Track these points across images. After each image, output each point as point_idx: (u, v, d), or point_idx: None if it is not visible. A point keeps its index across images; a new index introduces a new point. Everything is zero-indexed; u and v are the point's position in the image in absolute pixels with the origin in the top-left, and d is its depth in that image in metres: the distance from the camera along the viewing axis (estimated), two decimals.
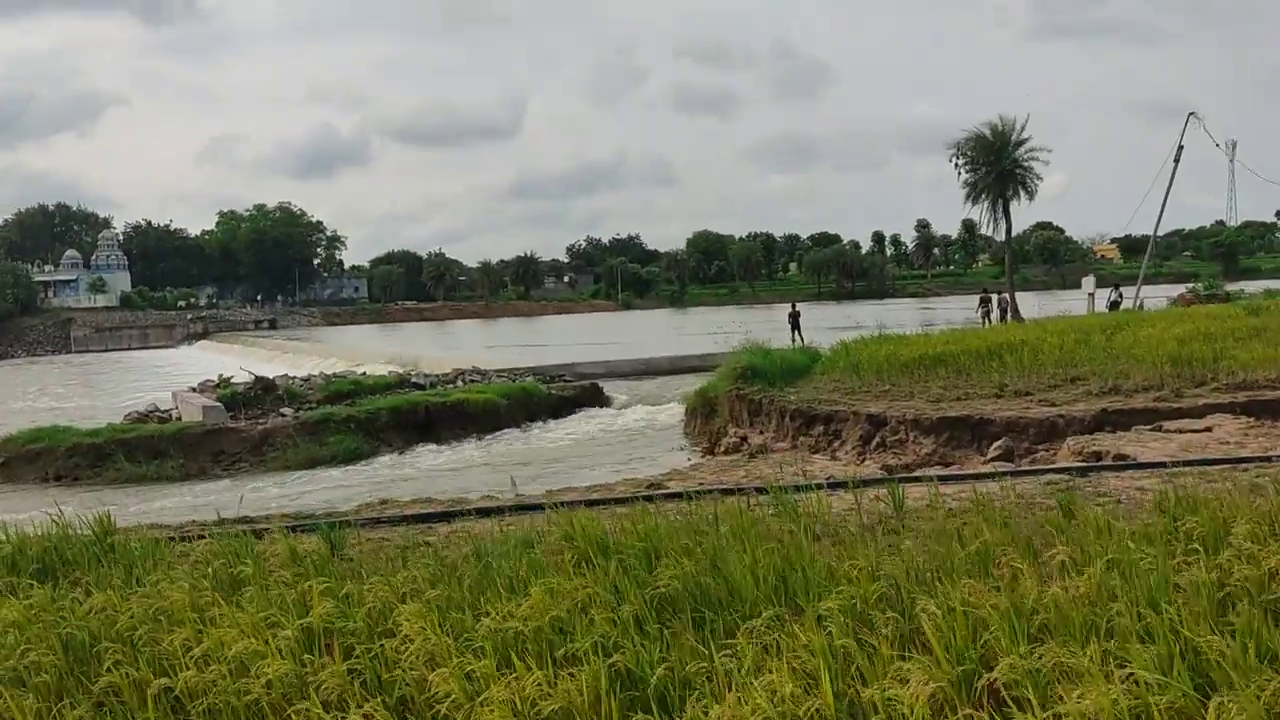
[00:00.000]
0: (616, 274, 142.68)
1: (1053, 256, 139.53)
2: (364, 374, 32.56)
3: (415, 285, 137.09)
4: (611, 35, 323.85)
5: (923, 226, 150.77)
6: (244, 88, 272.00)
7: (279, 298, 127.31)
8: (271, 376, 30.34)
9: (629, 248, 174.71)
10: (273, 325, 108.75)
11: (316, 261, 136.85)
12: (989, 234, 45.60)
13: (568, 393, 28.51)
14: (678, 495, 8.36)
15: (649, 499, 9.04)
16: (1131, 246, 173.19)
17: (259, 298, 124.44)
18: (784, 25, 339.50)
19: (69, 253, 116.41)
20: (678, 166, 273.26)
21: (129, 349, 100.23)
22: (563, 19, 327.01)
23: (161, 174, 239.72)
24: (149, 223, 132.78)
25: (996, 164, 41.75)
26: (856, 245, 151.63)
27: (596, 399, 29.14)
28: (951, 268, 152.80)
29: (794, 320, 37.04)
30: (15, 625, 4.93)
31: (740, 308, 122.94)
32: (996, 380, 17.56)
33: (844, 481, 8.55)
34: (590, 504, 9.73)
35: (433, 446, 23.83)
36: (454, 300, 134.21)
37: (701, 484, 11.08)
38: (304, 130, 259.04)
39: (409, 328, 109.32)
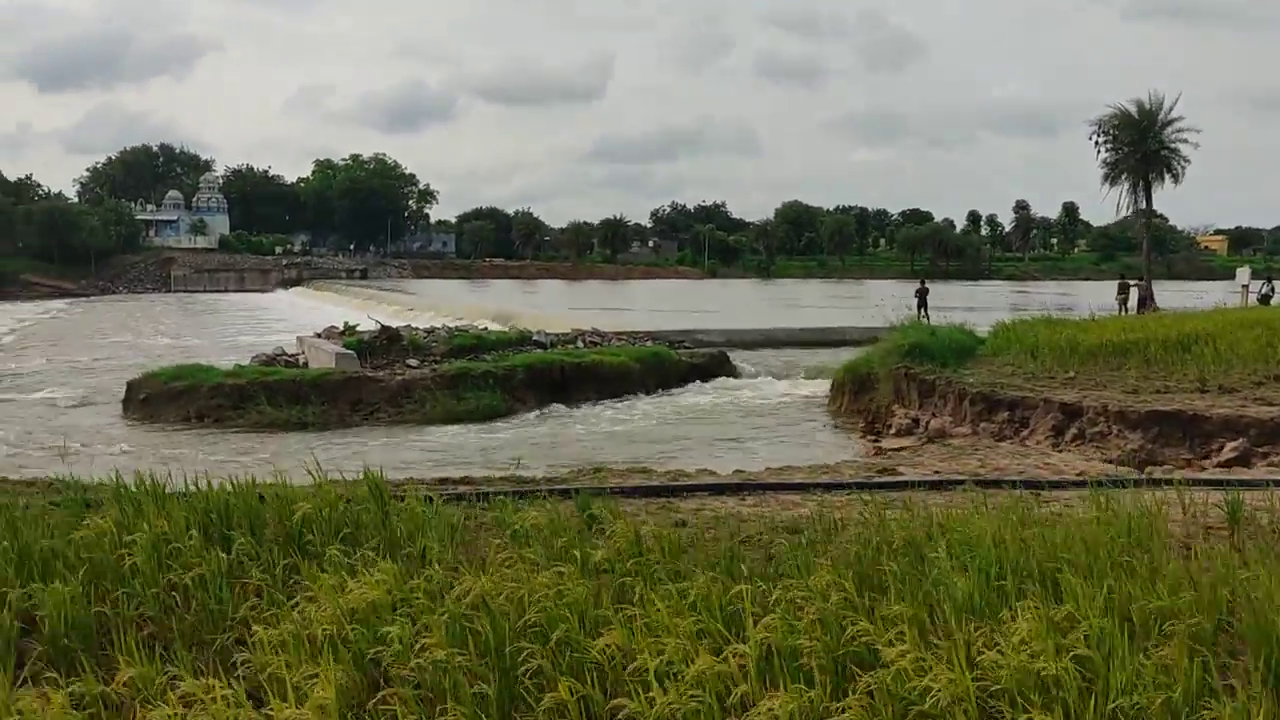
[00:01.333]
0: (704, 241, 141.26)
1: (1159, 245, 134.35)
2: (484, 329, 32.25)
3: (502, 243, 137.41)
4: (699, 2, 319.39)
5: (1021, 208, 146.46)
6: (334, 39, 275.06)
7: (371, 248, 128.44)
8: (396, 326, 30.08)
9: (714, 215, 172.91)
10: (364, 275, 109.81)
11: (407, 215, 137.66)
12: (1125, 215, 43.17)
13: (697, 360, 27.81)
14: (993, 484, 7.50)
15: (901, 485, 8.25)
16: (1242, 239, 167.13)
17: (352, 247, 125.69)
18: None
19: (171, 193, 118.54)
20: (761, 136, 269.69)
21: (225, 291, 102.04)
22: None
23: (250, 121, 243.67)
24: (248, 167, 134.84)
25: (1141, 144, 39.67)
26: (950, 224, 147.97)
27: (724, 368, 28.40)
28: (1049, 251, 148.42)
29: (921, 298, 35.81)
30: (380, 610, 4.33)
31: (828, 282, 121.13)
32: (1194, 374, 16.39)
33: (1165, 479, 7.64)
34: (827, 488, 9.01)
35: (563, 408, 23.32)
36: (540, 259, 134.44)
37: (939, 473, 10.26)
38: (391, 84, 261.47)
39: (496, 284, 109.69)
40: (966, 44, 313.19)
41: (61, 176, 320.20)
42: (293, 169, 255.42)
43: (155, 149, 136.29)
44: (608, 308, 59.98)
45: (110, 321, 63.94)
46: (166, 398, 21.89)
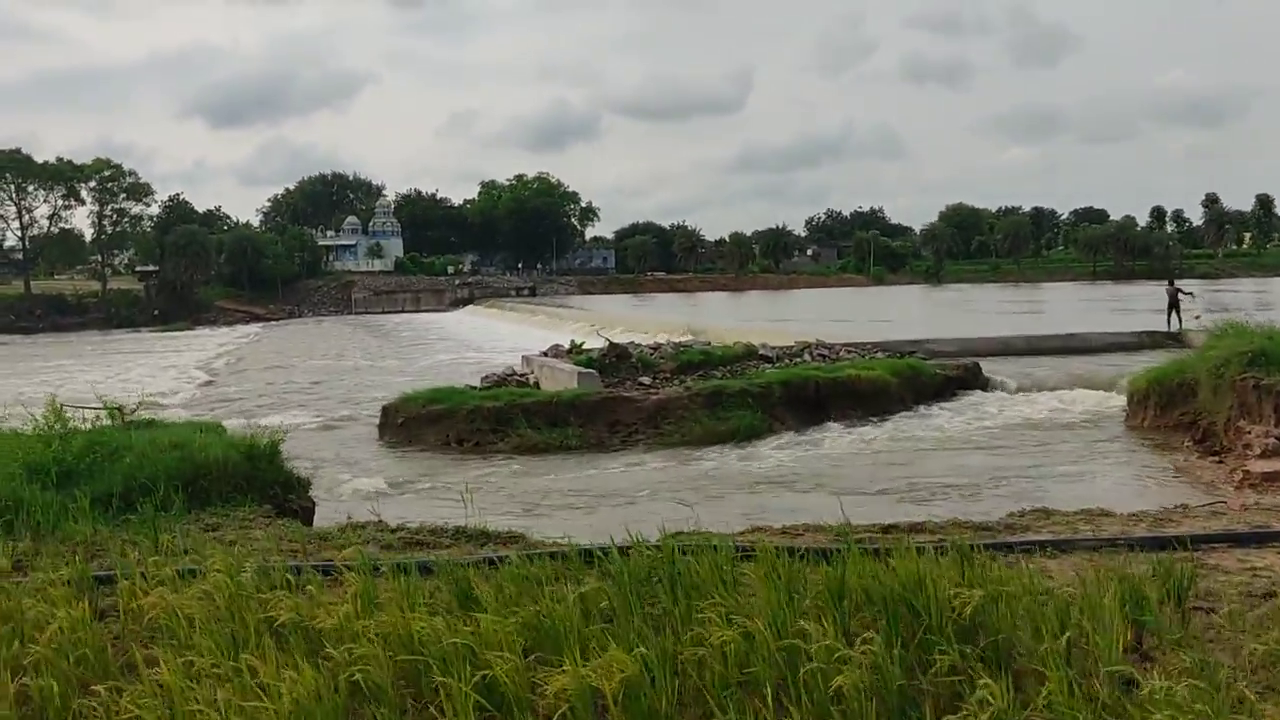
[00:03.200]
0: (868, 247, 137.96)
1: None
2: (709, 344, 31.18)
3: (662, 256, 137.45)
4: (839, 7, 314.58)
5: (1211, 201, 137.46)
6: (481, 66, 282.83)
7: (538, 265, 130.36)
8: (623, 344, 29.31)
9: (872, 221, 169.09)
10: (533, 292, 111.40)
11: (574, 232, 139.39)
12: None
13: (950, 373, 25.98)
14: None
15: None
16: None
17: (520, 265, 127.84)
18: None
19: (349, 219, 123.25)
20: (906, 139, 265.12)
21: (402, 311, 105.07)
22: None
23: (406, 148, 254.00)
24: (418, 191, 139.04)
25: None
26: (1132, 221, 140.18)
27: (977, 380, 26.47)
28: (1241, 247, 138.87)
29: (1173, 299, 33.02)
30: None
31: (1005, 286, 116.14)
32: None
33: None
34: None
35: (833, 426, 21.90)
36: (700, 272, 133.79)
37: None
38: (537, 105, 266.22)
39: (660, 297, 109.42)
40: (1122, 34, 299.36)
41: (239, 208, 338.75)
42: (449, 192, 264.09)
43: (330, 176, 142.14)
44: (786, 319, 58.27)
45: (304, 344, 66.03)
46: (424, 421, 21.51)
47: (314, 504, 9.90)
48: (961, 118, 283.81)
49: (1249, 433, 15.61)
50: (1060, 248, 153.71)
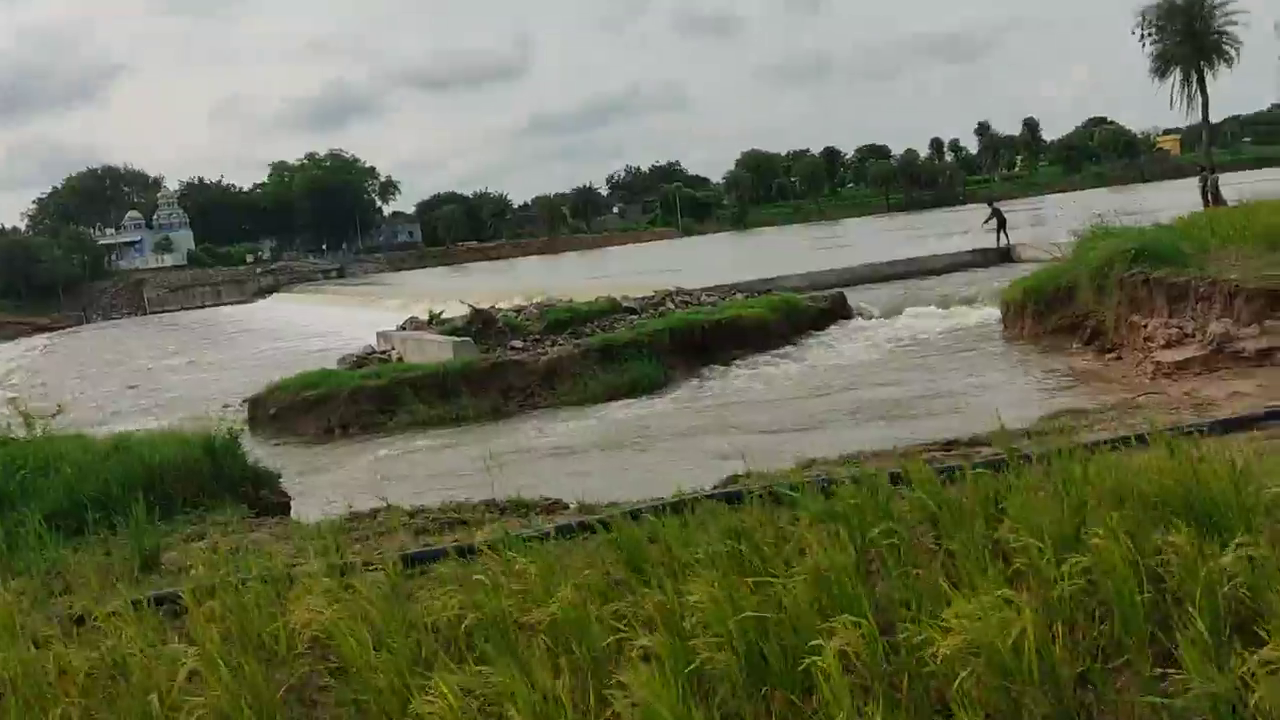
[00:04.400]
0: (674, 200, 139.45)
1: (1129, 149, 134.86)
2: (571, 302, 30.46)
3: (470, 226, 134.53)
4: None
5: (984, 129, 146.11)
6: (248, 47, 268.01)
7: (343, 245, 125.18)
8: (486, 308, 28.21)
9: (671, 174, 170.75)
10: (340, 274, 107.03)
11: (376, 209, 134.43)
12: (1179, 111, 41.91)
13: (820, 305, 26.28)
14: None
15: None
16: (1195, 136, 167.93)
17: (324, 247, 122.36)
18: None
19: (131, 214, 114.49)
20: (690, 92, 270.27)
21: (203, 306, 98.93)
22: None
23: (177, 136, 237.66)
24: (201, 179, 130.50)
25: (1189, 31, 38.52)
26: (914, 154, 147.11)
27: (844, 310, 26.92)
28: (1014, 171, 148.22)
29: (1001, 218, 34.59)
30: None
31: (807, 225, 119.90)
32: None
33: None
34: None
35: (721, 368, 21.73)
36: (513, 238, 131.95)
37: None
38: (314, 84, 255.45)
39: (474, 266, 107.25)
40: None
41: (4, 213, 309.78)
42: (234, 179, 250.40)
43: (100, 171, 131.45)
44: (616, 275, 57.98)
45: (107, 351, 61.03)
46: (300, 409, 19.97)
47: (290, 498, 8.75)
48: (739, 68, 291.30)
49: (1145, 326, 16.25)
50: (850, 184, 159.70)
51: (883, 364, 20.42)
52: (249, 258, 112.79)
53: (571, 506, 7.12)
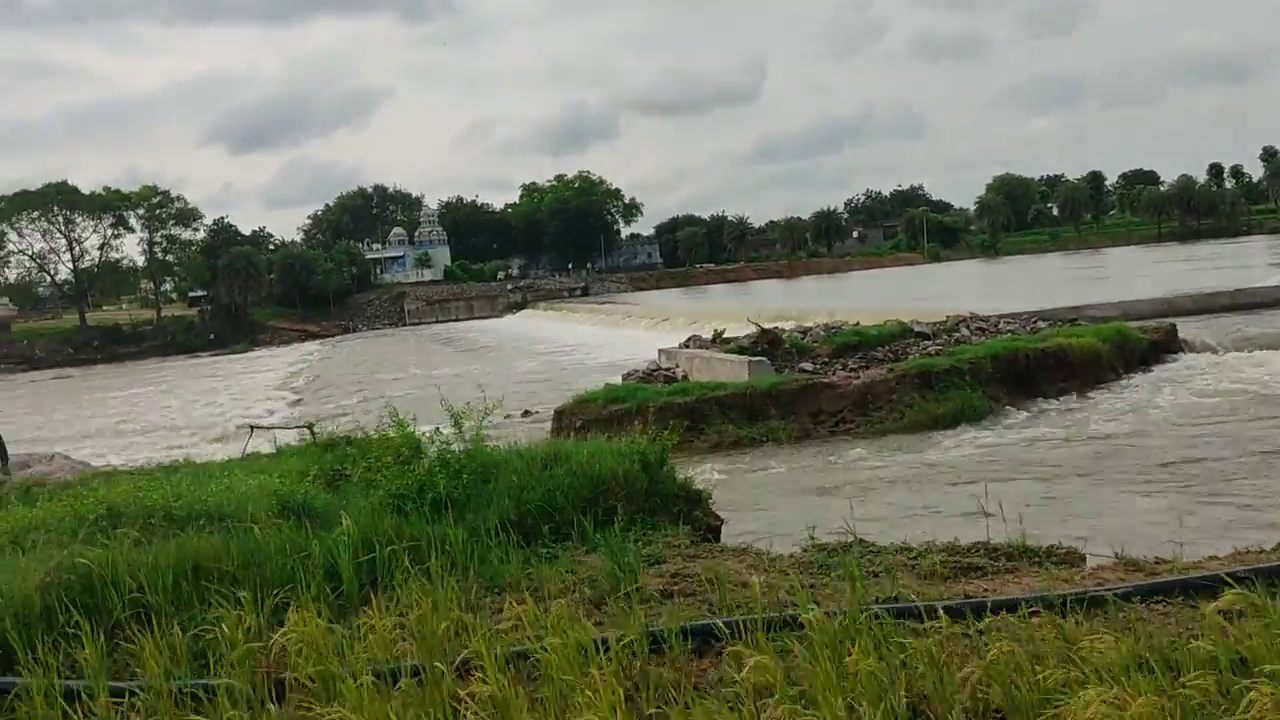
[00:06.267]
0: (920, 224, 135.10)
1: None
2: (858, 325, 29.14)
3: (709, 247, 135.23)
4: None
5: (1271, 155, 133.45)
6: (495, 74, 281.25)
7: (587, 265, 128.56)
8: (771, 328, 27.33)
9: (914, 199, 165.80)
10: (585, 292, 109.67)
11: (617, 229, 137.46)
12: None
13: (1154, 337, 23.83)
14: None
15: None
16: None
17: (570, 266, 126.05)
18: None
19: (396, 230, 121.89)
20: (927, 117, 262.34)
21: (456, 319, 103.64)
22: None
23: (429, 158, 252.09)
24: (459, 198, 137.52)
25: None
26: (1191, 180, 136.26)
27: (1174, 344, 24.33)
28: None
29: None
30: None
31: (1066, 254, 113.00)
32: None
33: None
34: None
35: (1054, 403, 19.85)
36: (751, 260, 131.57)
37: None
38: (553, 108, 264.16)
39: (714, 289, 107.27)
40: None
41: (276, 228, 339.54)
42: (483, 198, 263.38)
43: (369, 190, 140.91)
44: (870, 301, 55.88)
45: (375, 358, 64.55)
46: (606, 423, 19.56)
47: (722, 520, 8.00)
48: (980, 92, 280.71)
49: None
50: (1113, 212, 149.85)
51: (1237, 412, 17.87)
52: (500, 274, 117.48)
53: (1097, 556, 5.92)
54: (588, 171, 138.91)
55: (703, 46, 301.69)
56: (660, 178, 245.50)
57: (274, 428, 17.42)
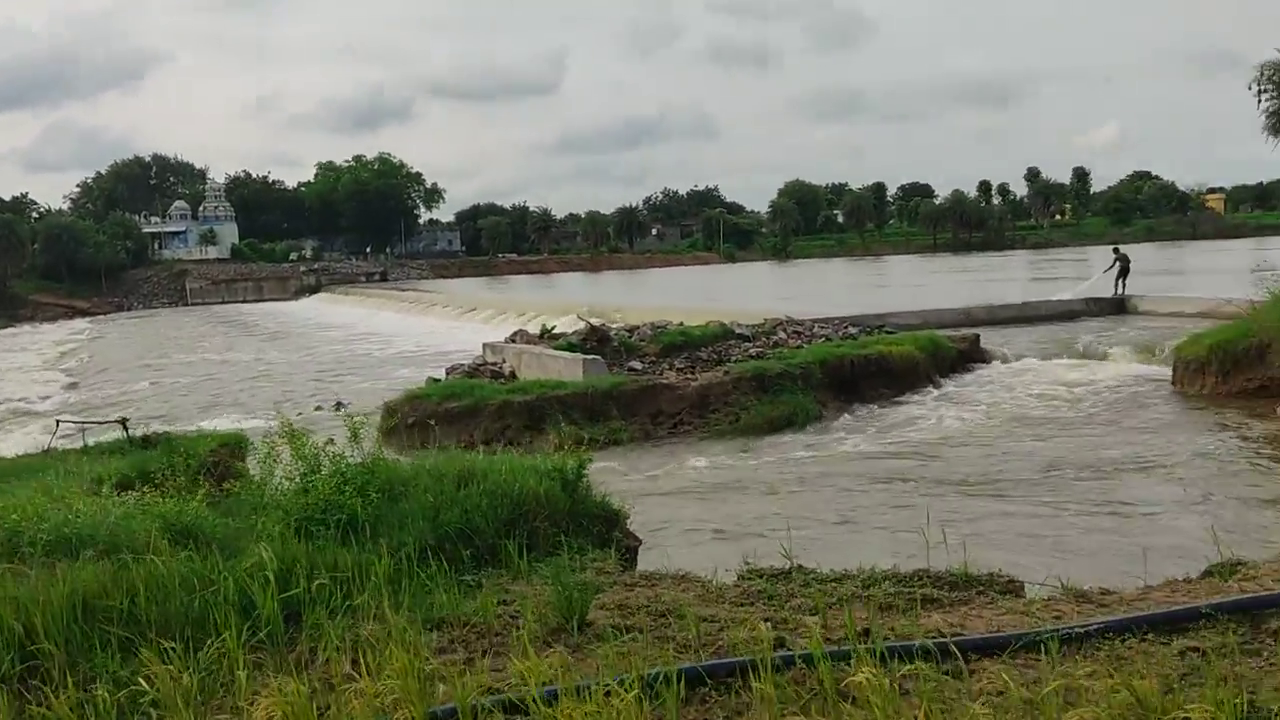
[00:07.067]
0: (717, 225, 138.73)
1: (1182, 205, 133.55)
2: (682, 324, 29.46)
3: (513, 237, 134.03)
4: None
5: (1034, 175, 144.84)
6: (284, 46, 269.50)
7: (386, 250, 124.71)
8: (599, 325, 27.24)
9: (710, 199, 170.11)
10: (384, 277, 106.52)
11: (418, 214, 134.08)
12: None
13: (961, 346, 25.20)
14: None
15: None
16: (1240, 196, 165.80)
17: (368, 249, 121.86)
18: None
19: (178, 203, 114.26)
20: (721, 120, 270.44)
21: (244, 301, 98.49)
22: None
23: (209, 130, 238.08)
24: (248, 174, 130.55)
25: None
26: (963, 195, 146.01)
27: (978, 353, 25.84)
28: (1062, 219, 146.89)
29: (1124, 267, 33.37)
30: None
31: (852, 260, 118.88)
32: None
33: None
34: None
35: (876, 409, 20.66)
36: (554, 253, 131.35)
37: None
38: (346, 87, 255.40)
39: (516, 280, 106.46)
40: (915, 19, 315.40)
41: (41, 194, 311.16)
42: (274, 175, 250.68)
43: (148, 159, 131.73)
44: (664, 297, 56.78)
45: (157, 340, 60.37)
46: (443, 420, 18.89)
47: (640, 541, 7.70)
48: (772, 99, 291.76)
49: None
50: (893, 221, 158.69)
51: (1051, 416, 19.22)
52: (293, 256, 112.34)
53: (1039, 587, 6.05)
54: (388, 154, 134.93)
55: (504, 34, 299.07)
56: (460, 164, 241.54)
57: (84, 424, 15.81)
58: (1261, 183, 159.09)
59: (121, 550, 5.53)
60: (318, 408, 26.67)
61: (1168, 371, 21.30)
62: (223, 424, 23.78)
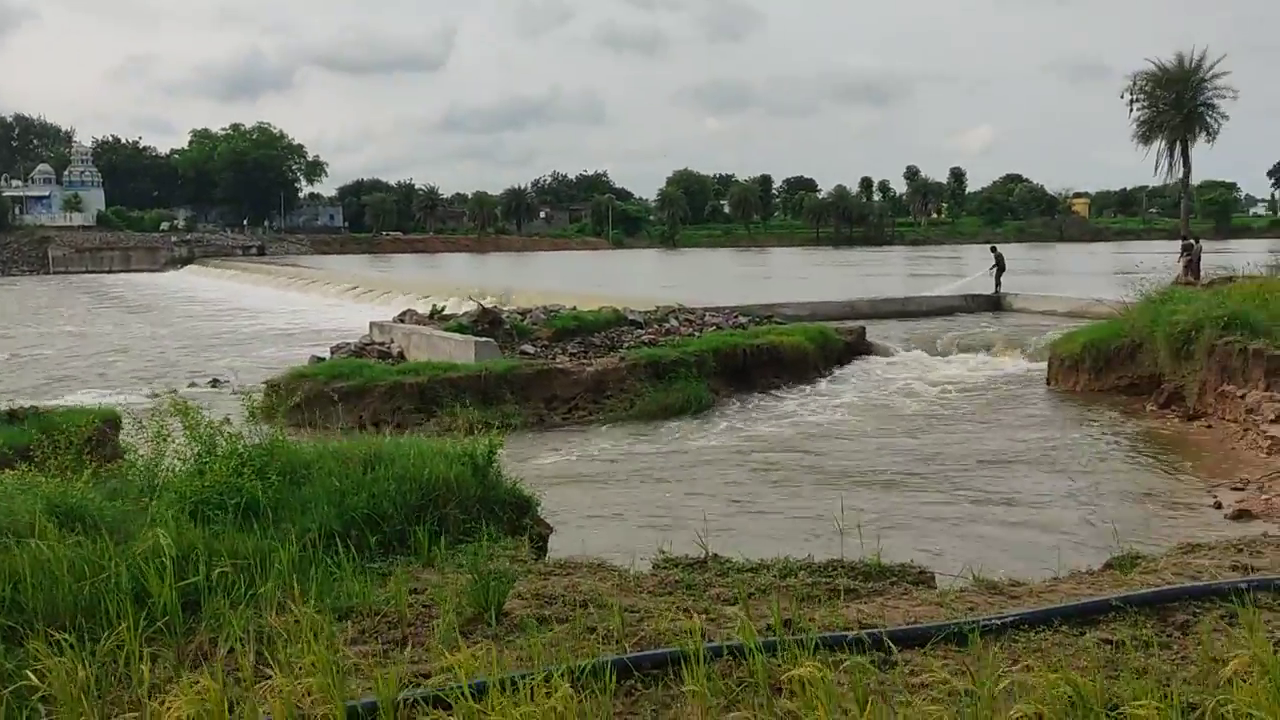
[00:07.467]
0: (606, 211, 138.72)
1: (1050, 208, 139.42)
2: (575, 309, 29.32)
3: (398, 215, 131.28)
4: None
5: (913, 174, 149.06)
6: (160, 5, 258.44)
7: (265, 223, 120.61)
8: (492, 307, 26.88)
9: (598, 184, 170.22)
10: (261, 251, 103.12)
11: (298, 187, 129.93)
12: (1164, 180, 42.95)
13: (847, 338, 25.71)
14: None
15: None
16: (1104, 201, 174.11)
17: (244, 222, 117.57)
18: None
19: (41, 166, 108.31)
20: (609, 105, 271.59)
21: (110, 271, 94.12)
22: None
23: (75, 92, 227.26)
24: (116, 139, 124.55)
25: (1179, 101, 39.41)
26: (845, 190, 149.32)
27: (865, 346, 26.42)
28: (939, 217, 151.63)
29: (1001, 263, 34.56)
30: None
31: (739, 250, 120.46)
32: None
33: None
34: None
35: (762, 397, 20.93)
36: (439, 233, 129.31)
37: None
38: (224, 52, 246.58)
39: (401, 259, 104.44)
40: (804, 16, 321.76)
41: None
42: (145, 141, 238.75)
43: (10, 120, 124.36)
44: (552, 281, 56.56)
45: (14, 309, 57.10)
46: (329, 401, 18.30)
47: (551, 529, 7.54)
48: (660, 87, 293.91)
49: (1243, 397, 15.98)
50: (778, 214, 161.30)
51: (938, 409, 19.74)
52: (164, 225, 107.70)
53: (952, 578, 6.15)
54: (268, 123, 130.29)
55: (390, 6, 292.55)
56: (343, 138, 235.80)
57: None
58: (1125, 189, 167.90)
59: (3, 533, 5.16)
60: (191, 384, 25.64)
61: (1043, 367, 22.15)
62: (86, 399, 22.58)
